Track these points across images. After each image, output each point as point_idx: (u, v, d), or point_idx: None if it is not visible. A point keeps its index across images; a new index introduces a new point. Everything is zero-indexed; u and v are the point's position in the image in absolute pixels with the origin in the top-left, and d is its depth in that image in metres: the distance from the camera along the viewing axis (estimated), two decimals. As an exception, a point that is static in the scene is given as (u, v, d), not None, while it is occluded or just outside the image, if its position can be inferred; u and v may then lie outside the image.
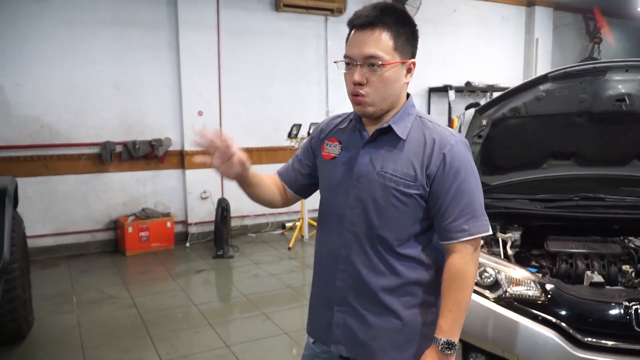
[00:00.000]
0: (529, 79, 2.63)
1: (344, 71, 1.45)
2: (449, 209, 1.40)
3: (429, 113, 7.40)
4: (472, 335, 2.38)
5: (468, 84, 7.53)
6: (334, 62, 1.51)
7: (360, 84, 1.39)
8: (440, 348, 1.39)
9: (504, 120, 2.71)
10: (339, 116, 1.64)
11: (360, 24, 1.39)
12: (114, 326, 3.74)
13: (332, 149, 1.55)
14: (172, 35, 5.76)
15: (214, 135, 1.39)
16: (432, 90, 7.44)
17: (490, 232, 1.46)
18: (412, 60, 1.45)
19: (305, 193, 1.69)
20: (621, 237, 2.68)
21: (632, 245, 2.61)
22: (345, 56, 1.43)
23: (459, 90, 7.36)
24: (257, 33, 6.17)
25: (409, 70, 1.45)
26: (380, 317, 1.47)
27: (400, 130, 1.44)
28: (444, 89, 7.24)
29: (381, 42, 1.37)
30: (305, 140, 1.72)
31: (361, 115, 1.48)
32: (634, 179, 2.86)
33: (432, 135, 1.43)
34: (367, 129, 1.50)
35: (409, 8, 6.81)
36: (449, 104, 7.22)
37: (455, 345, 1.40)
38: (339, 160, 1.52)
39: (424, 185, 1.41)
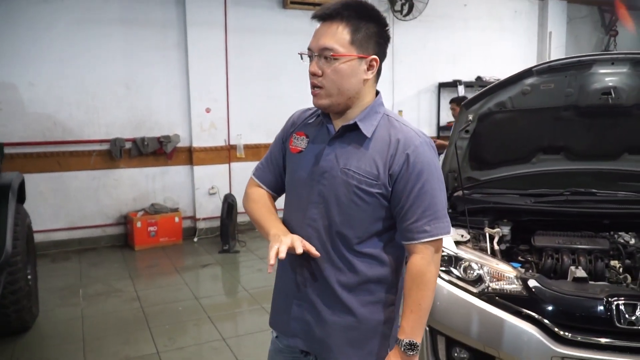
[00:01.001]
0: (513, 74, 2.61)
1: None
2: (411, 209, 1.40)
3: (438, 108, 7.43)
4: (455, 330, 2.39)
5: (479, 78, 7.45)
6: (298, 53, 1.52)
7: (315, 75, 1.41)
8: (402, 349, 1.40)
9: (490, 115, 2.69)
10: (309, 109, 1.62)
11: (320, 15, 1.41)
12: (117, 319, 3.84)
13: (299, 142, 1.54)
14: (181, 35, 5.84)
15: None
16: (441, 86, 7.39)
17: (451, 234, 1.46)
18: (374, 57, 1.42)
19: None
20: (611, 232, 2.64)
21: (622, 241, 2.58)
22: (307, 48, 1.45)
23: (469, 85, 7.29)
24: (264, 31, 6.22)
25: (371, 67, 1.43)
26: (336, 314, 1.47)
27: (365, 128, 1.43)
28: (454, 84, 7.18)
29: (336, 35, 1.38)
30: (277, 134, 1.72)
31: (318, 108, 1.49)
32: (626, 174, 2.81)
33: (397, 135, 1.42)
34: (334, 124, 1.49)
35: (417, 2, 6.78)
36: (459, 100, 7.17)
37: (418, 346, 1.41)
38: (305, 155, 1.51)
39: (386, 185, 1.40)
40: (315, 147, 1.50)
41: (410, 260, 1.43)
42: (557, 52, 7.97)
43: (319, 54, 1.40)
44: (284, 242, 1.38)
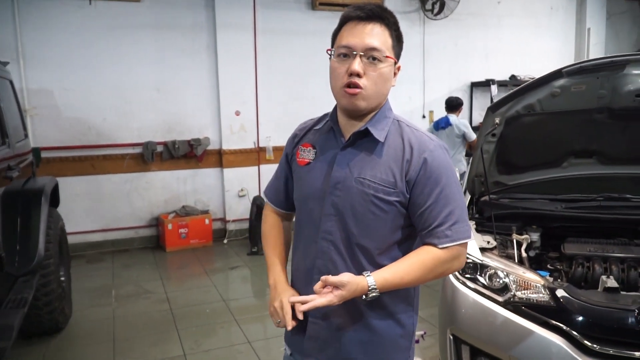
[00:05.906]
0: (541, 76, 2.53)
1: (335, 61, 1.38)
2: (432, 215, 1.35)
3: (471, 108, 7.29)
4: (479, 340, 2.33)
5: (513, 77, 7.28)
6: (327, 50, 1.43)
7: (358, 75, 1.33)
8: (365, 296, 1.32)
9: (518, 118, 2.60)
10: (311, 119, 1.57)
11: (366, 15, 1.34)
12: (146, 320, 3.90)
13: (306, 154, 1.49)
14: (210, 38, 5.91)
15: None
16: (474, 85, 7.25)
17: (472, 238, 1.41)
18: (399, 64, 1.42)
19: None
20: (646, 240, 2.53)
21: (658, 249, 2.46)
22: (343, 46, 1.36)
23: (502, 84, 7.13)
24: (293, 32, 6.24)
25: (395, 74, 1.42)
26: (355, 330, 1.43)
27: (377, 133, 1.38)
28: (487, 84, 7.04)
29: (383, 37, 1.35)
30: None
31: (351, 109, 1.39)
32: (663, 178, 2.69)
33: (411, 140, 1.38)
34: (343, 132, 1.44)
35: (448, 1, 6.67)
36: (492, 99, 7.01)
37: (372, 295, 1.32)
38: (314, 166, 1.46)
39: (404, 192, 1.36)
40: (325, 157, 1.45)
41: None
42: (595, 49, 7.71)
43: (365, 53, 1.34)
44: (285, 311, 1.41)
